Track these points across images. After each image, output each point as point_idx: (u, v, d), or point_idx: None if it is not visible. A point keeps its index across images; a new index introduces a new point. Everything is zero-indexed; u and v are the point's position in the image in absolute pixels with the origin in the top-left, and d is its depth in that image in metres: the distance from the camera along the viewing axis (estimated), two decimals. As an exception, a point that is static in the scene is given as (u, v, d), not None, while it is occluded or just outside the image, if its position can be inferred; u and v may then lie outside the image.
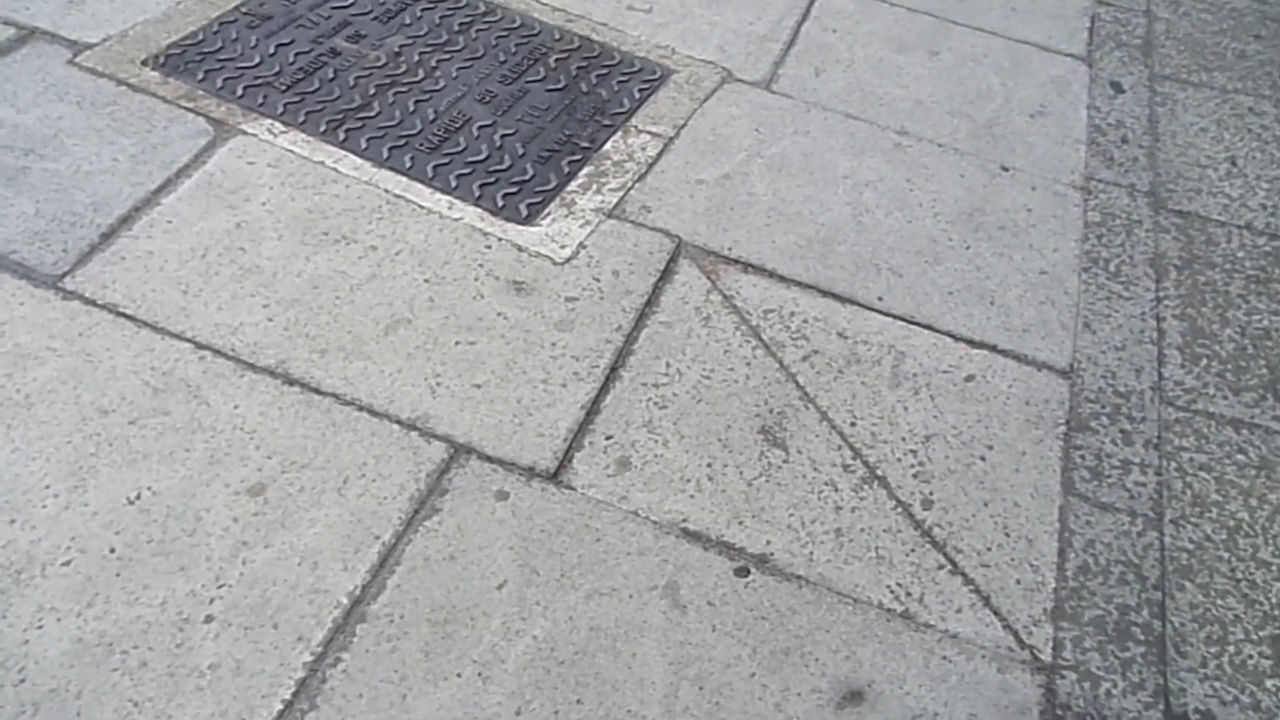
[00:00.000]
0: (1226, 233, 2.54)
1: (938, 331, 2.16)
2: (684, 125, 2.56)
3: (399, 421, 1.82)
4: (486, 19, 2.80)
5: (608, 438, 1.86)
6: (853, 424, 1.95)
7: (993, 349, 2.15)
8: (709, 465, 1.85)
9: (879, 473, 1.88)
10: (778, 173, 2.47)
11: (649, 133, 2.52)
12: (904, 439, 1.95)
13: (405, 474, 1.74)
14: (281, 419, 1.79)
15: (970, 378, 2.08)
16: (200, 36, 2.56)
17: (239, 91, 2.42)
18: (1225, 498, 1.95)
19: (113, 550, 1.58)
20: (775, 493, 1.82)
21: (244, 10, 2.67)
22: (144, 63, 2.46)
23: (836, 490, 1.84)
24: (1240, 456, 2.02)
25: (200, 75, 2.45)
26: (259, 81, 2.46)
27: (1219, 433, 2.06)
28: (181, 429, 1.75)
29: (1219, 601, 1.78)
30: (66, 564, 1.56)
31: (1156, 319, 2.28)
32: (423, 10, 2.79)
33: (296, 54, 2.56)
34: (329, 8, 2.74)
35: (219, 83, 2.43)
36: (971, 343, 2.15)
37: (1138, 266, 2.40)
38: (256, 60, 2.52)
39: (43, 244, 2.00)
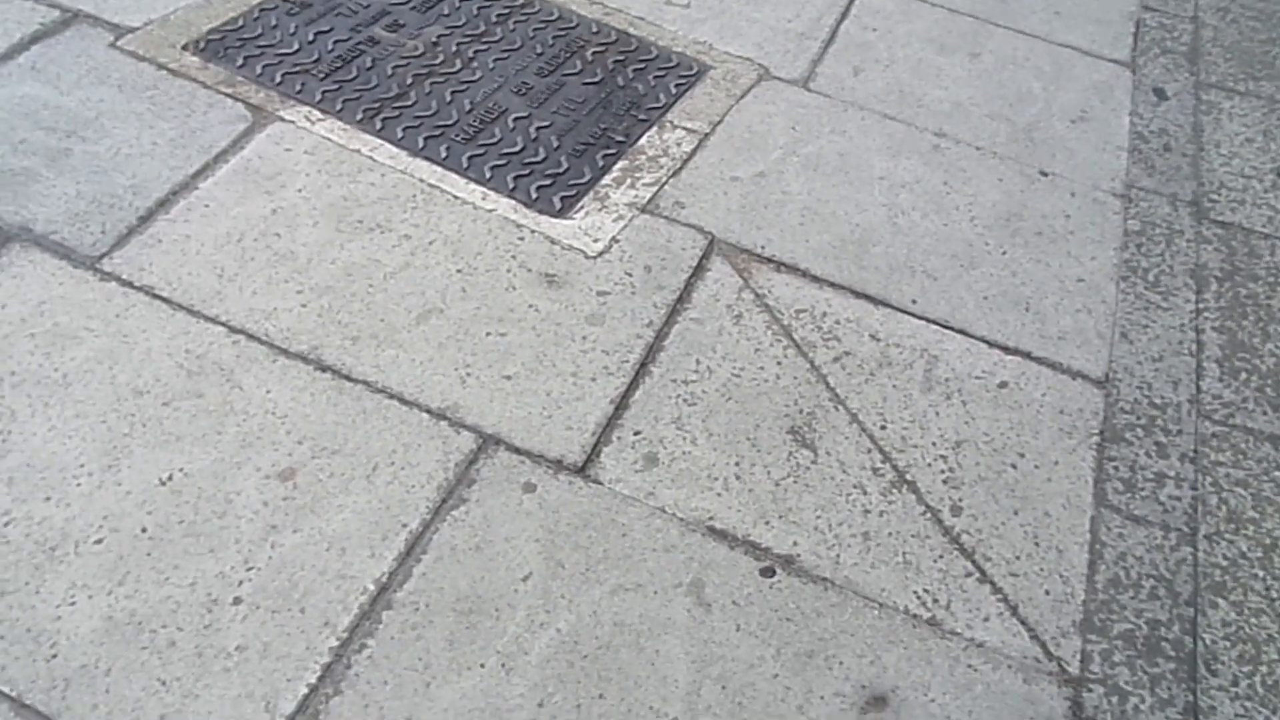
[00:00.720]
0: (1270, 245, 2.49)
1: (971, 337, 2.14)
2: (720, 122, 2.55)
3: (429, 410, 1.82)
4: (524, 10, 2.80)
5: (636, 433, 1.85)
6: (883, 427, 1.94)
7: (1027, 356, 2.12)
8: (737, 464, 1.84)
9: (909, 477, 1.87)
10: (813, 172, 2.45)
11: (684, 128, 2.51)
12: (935, 444, 1.93)
13: (434, 463, 1.75)
14: (313, 405, 1.80)
15: (1004, 384, 2.06)
16: (240, 22, 2.58)
17: (277, 78, 2.43)
18: (1262, 515, 1.91)
19: (144, 530, 1.60)
20: (803, 494, 1.81)
21: (285, -3, 2.68)
22: (184, 47, 2.48)
23: (865, 494, 1.83)
24: (1278, 473, 1.99)
25: (240, 61, 2.46)
26: (297, 68, 2.47)
27: (1257, 449, 2.03)
28: (214, 412, 1.76)
29: (1252, 620, 1.75)
30: (99, 542, 1.58)
31: (1195, 331, 2.24)
32: (461, 1, 2.79)
33: (335, 42, 2.57)
34: (369, -4, 2.75)
35: (258, 69, 2.45)
36: (1006, 349, 2.13)
37: (1178, 277, 2.36)
38: (295, 47, 2.53)
39: (82, 225, 2.03)
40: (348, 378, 1.85)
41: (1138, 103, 2.89)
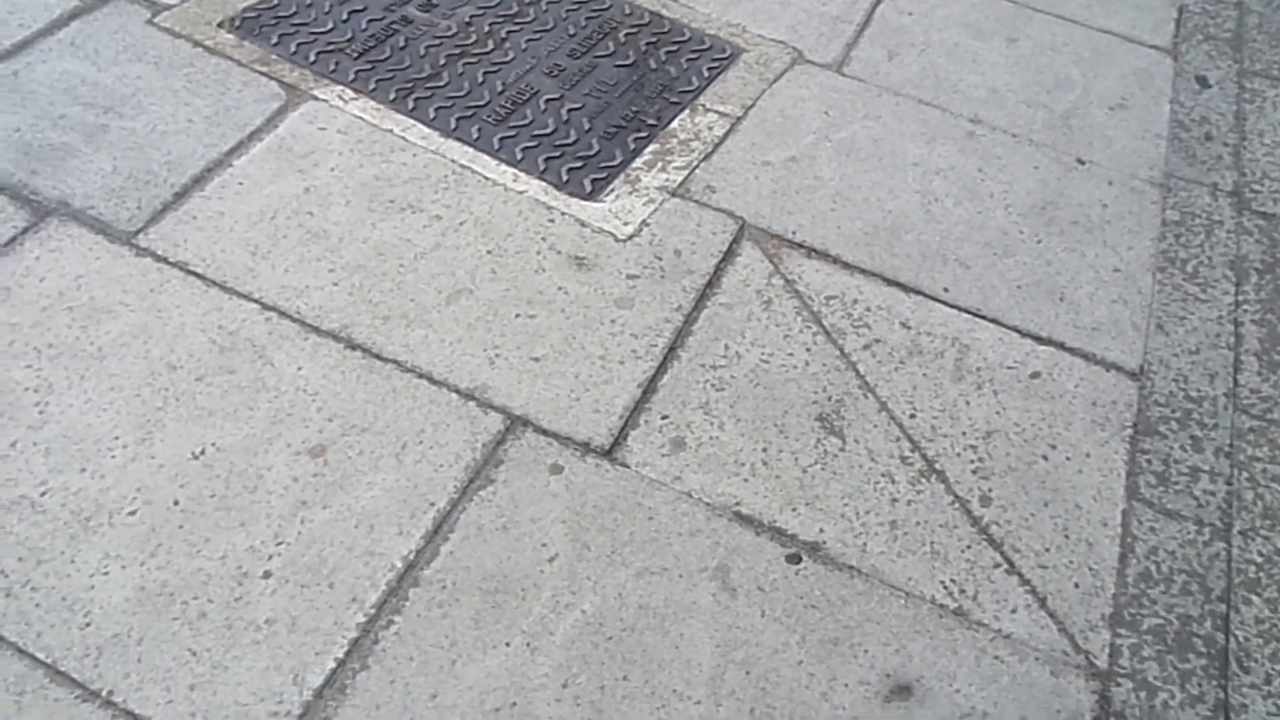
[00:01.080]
0: (1313, 237, 2.44)
1: (1004, 326, 2.11)
2: (752, 105, 2.53)
3: (458, 391, 1.83)
4: (557, -8, 2.79)
5: (664, 417, 1.85)
6: (912, 416, 1.92)
7: (1060, 346, 2.09)
8: (764, 450, 1.83)
9: (937, 466, 1.85)
10: (846, 157, 2.43)
11: (716, 112, 2.49)
12: (964, 434, 1.91)
13: (462, 443, 1.76)
14: (343, 382, 1.81)
15: (1036, 374, 2.03)
16: (275, 1, 2.59)
17: (311, 57, 2.44)
18: (1298, 511, 1.88)
19: (177, 503, 1.62)
20: (830, 481, 1.80)
21: (319, -24, 2.69)
22: (220, 25, 2.49)
23: (893, 482, 1.81)
24: (1316, 469, 1.95)
25: (274, 39, 2.47)
26: (331, 48, 2.47)
27: (1294, 444, 1.99)
28: (246, 388, 1.78)
29: (1286, 617, 1.73)
30: (132, 514, 1.60)
31: (1234, 323, 2.20)
32: (494, -19, 2.78)
33: (369, 21, 2.57)
34: (402, -24, 2.74)
35: (292, 48, 2.46)
36: (1038, 339, 2.10)
37: (1216, 268, 2.32)
38: (329, 26, 2.54)
39: (119, 200, 2.05)
40: (378, 356, 1.86)
41: (1179, 90, 2.84)
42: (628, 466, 1.77)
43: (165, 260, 1.96)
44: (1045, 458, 1.90)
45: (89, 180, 2.07)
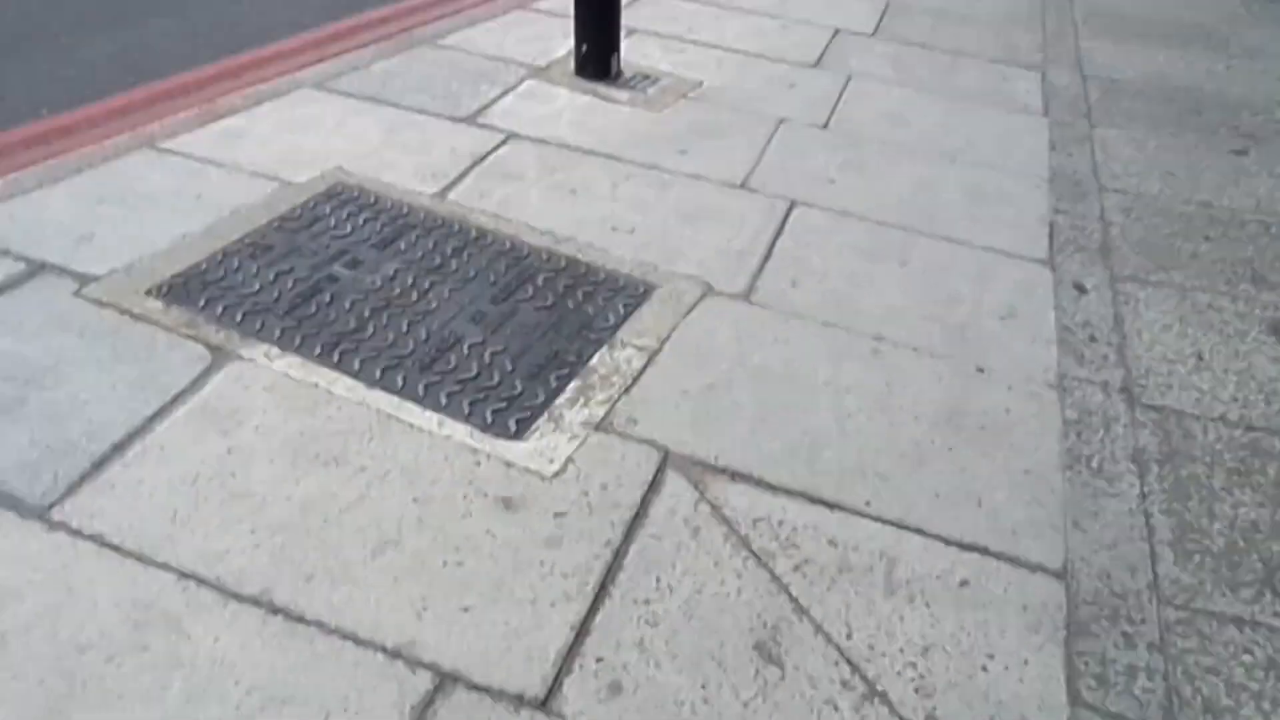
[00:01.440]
0: (1202, 426, 2.59)
1: (928, 535, 2.16)
2: (668, 338, 2.65)
3: (384, 649, 1.77)
4: (478, 243, 2.96)
5: (598, 660, 1.81)
6: (849, 636, 1.91)
7: (984, 552, 2.14)
8: (703, 686, 1.79)
9: (879, 688, 1.83)
10: (760, 381, 2.54)
11: (634, 346, 2.61)
12: (902, 650, 1.90)
13: (389, 706, 1.68)
14: (263, 650, 1.74)
15: (964, 582, 2.06)
16: (204, 266, 2.69)
17: (238, 317, 2.51)
18: (1237, 702, 1.88)
19: (78, 803, 1.50)
20: (773, 714, 1.76)
21: (247, 242, 2.82)
22: (147, 292, 2.57)
23: (836, 709, 1.78)
24: (1247, 657, 1.97)
25: (201, 303, 2.55)
26: (258, 307, 2.56)
27: (1222, 632, 2.02)
28: (160, 665, 1.70)
29: (1247, 821, 1.69)
30: (27, 821, 1.47)
31: (1145, 515, 2.28)
32: (417, 237, 2.95)
33: (295, 280, 2.68)
34: (328, 237, 2.89)
35: (219, 310, 2.53)
36: (963, 546, 2.14)
37: (1120, 463, 2.43)
38: (257, 287, 2.63)
39: (33, 474, 2.02)
40: (300, 619, 1.81)
41: (1060, 297, 3.07)
42: (563, 717, 1.70)
43: (80, 533, 1.91)
44: (985, 669, 1.89)
45: (2, 455, 2.05)
